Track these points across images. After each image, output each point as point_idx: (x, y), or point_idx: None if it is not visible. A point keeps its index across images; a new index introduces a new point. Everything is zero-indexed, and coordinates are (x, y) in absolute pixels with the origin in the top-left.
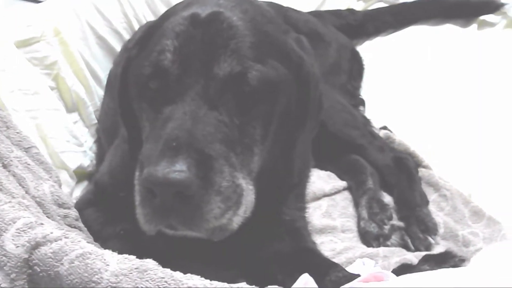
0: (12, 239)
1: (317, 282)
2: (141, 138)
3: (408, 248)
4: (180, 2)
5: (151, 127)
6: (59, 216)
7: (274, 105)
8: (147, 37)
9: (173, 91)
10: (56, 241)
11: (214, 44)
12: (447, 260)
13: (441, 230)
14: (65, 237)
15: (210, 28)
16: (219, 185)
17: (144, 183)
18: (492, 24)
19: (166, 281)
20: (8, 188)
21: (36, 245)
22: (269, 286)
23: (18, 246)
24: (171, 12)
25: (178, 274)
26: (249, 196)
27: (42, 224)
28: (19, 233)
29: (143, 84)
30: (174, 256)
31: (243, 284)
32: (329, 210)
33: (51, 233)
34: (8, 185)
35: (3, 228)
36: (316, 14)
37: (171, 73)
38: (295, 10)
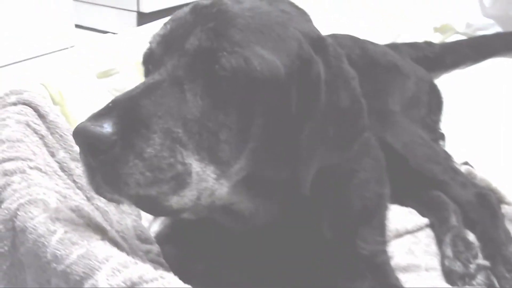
0: (107, 279)
1: None
2: None
3: None
4: None
5: None
6: (141, 251)
7: (255, 98)
8: None
9: (154, 70)
10: (152, 281)
11: (198, 25)
12: None
13: None
14: (161, 277)
15: (202, 13)
16: (141, 150)
17: (73, 135)
18: None
19: None
20: (96, 222)
21: (132, 286)
22: None
23: (113, 287)
24: None
25: None
26: (206, 183)
27: (136, 263)
28: (113, 272)
29: (145, 69)
30: None
31: None
32: (412, 247)
33: (147, 273)
34: (96, 219)
35: (96, 266)
36: (393, 46)
37: (156, 53)
38: (372, 42)
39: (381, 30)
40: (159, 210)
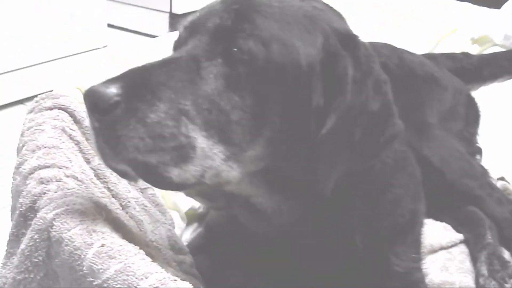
0: None
1: None
2: None
3: None
4: None
5: None
6: (175, 262)
7: (273, 84)
8: None
9: None
10: None
11: (223, 7)
12: None
13: None
14: None
15: (231, 0)
16: (143, 114)
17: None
18: None
19: None
20: (133, 234)
21: None
22: None
23: None
24: None
25: None
26: (212, 161)
27: (175, 280)
28: None
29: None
30: None
31: None
32: (446, 264)
33: None
34: (132, 230)
35: (135, 283)
36: (430, 56)
37: (182, 37)
38: (410, 52)
39: (391, 30)
40: (159, 181)
